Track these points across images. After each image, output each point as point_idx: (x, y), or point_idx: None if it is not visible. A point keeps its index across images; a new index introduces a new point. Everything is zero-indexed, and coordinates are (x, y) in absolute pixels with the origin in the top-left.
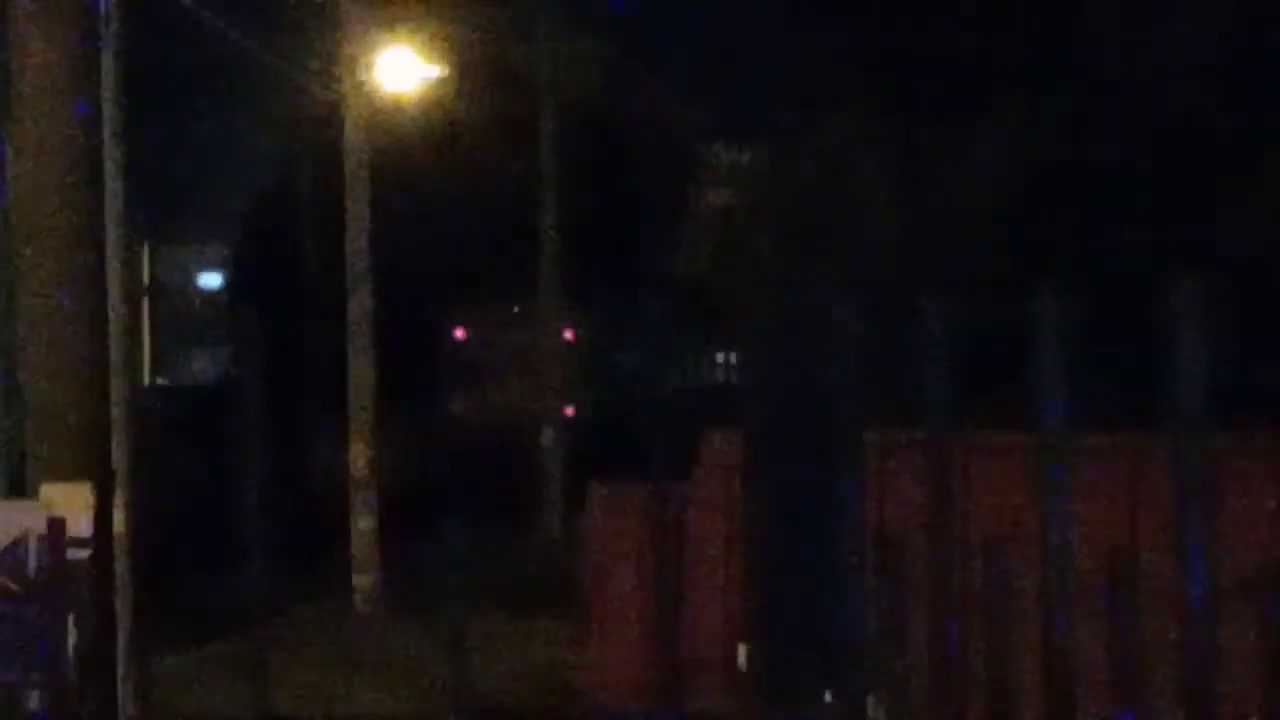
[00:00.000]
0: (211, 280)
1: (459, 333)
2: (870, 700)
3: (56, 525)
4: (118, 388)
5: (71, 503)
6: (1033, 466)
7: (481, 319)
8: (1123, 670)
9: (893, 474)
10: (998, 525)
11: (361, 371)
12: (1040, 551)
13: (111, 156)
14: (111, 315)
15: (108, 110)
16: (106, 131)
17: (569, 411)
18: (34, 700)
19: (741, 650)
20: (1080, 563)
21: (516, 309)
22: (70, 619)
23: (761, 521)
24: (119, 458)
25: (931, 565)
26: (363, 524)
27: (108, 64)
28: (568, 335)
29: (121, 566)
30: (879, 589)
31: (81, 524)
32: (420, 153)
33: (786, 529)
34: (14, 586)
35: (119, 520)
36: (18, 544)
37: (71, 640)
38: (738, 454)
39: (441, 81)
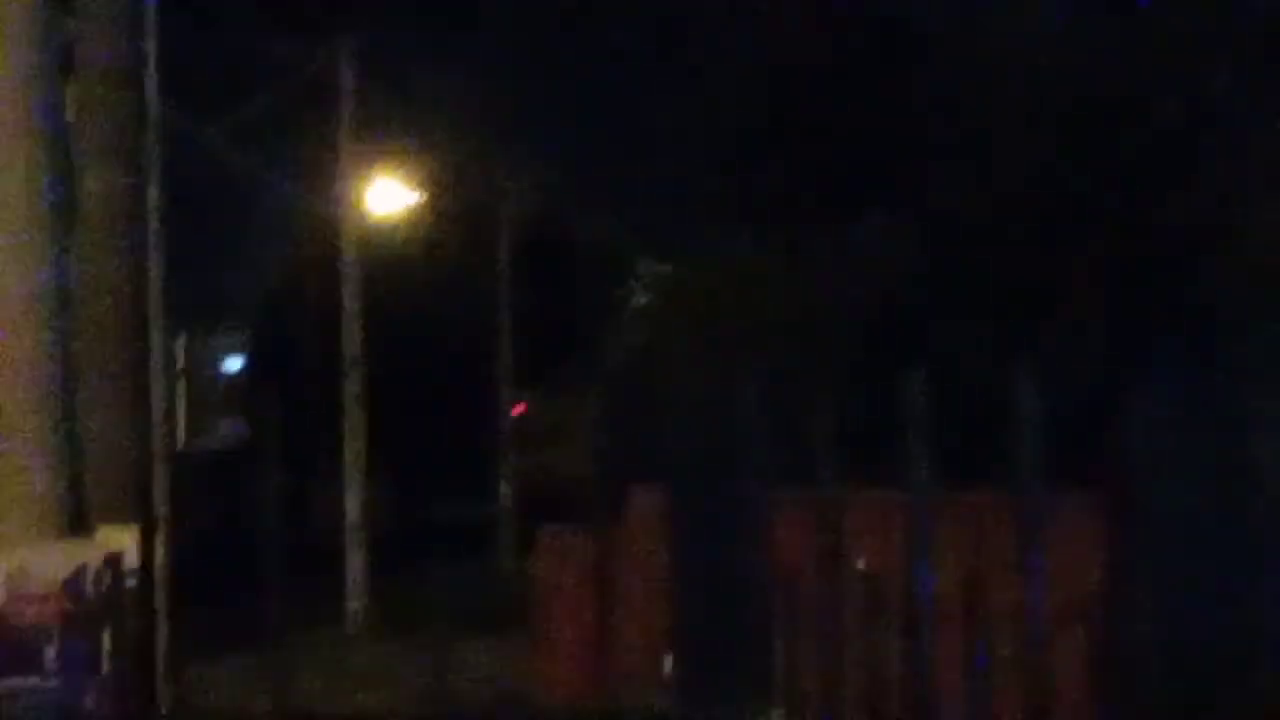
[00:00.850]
0: (233, 364)
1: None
2: (774, 709)
3: (114, 559)
4: (159, 450)
5: (122, 541)
6: (903, 518)
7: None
8: (973, 680)
9: (790, 523)
10: (872, 564)
11: (355, 437)
12: (906, 585)
13: (155, 264)
14: (154, 393)
15: (153, 227)
16: (151, 245)
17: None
18: (89, 700)
19: (666, 660)
20: (940, 595)
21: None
22: (115, 635)
23: (679, 558)
24: (161, 506)
25: (820, 596)
26: (354, 559)
27: (152, 192)
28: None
29: (161, 593)
30: (779, 614)
31: (130, 558)
32: (405, 261)
33: (700, 564)
34: (74, 608)
35: (159, 555)
36: (79, 574)
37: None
38: (659, 506)
39: (420, 205)
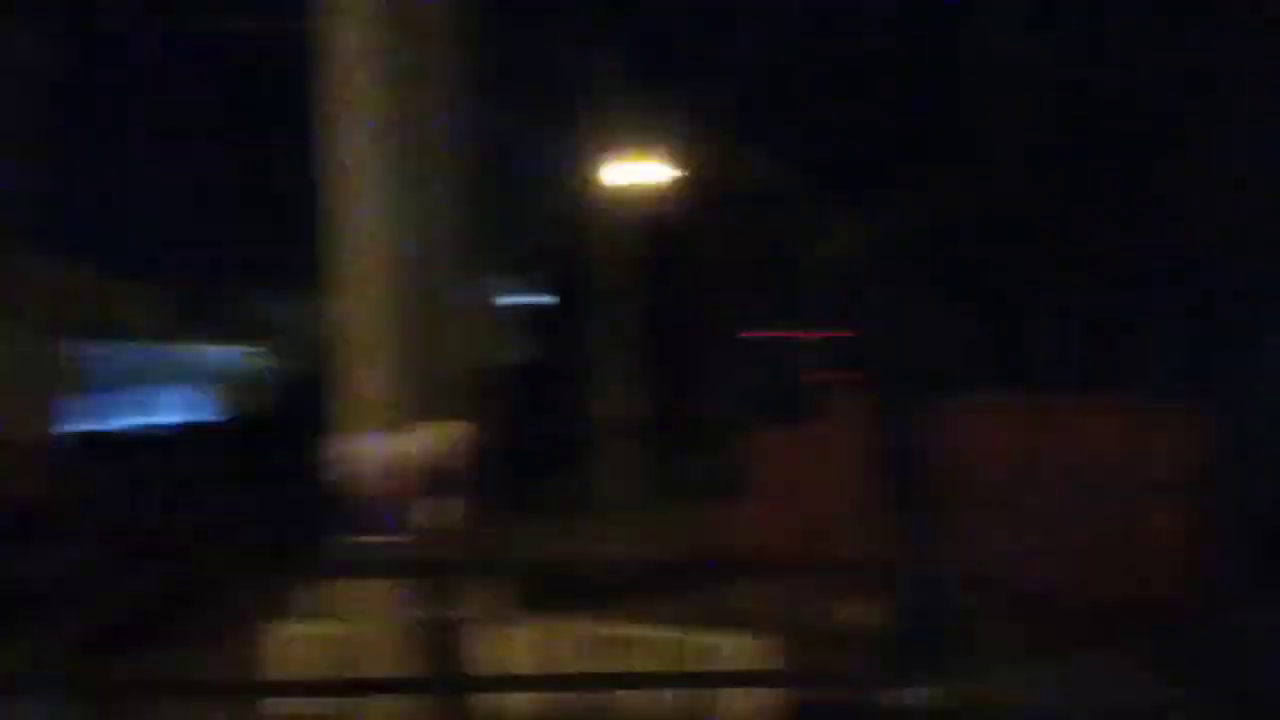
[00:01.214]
0: (513, 299)
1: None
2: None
3: (448, 445)
4: (476, 364)
5: (453, 432)
6: (1033, 418)
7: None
8: (1084, 538)
9: (958, 423)
10: (1014, 454)
11: (615, 353)
12: (1038, 468)
13: (468, 221)
14: (467, 323)
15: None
16: (465, 205)
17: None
18: (437, 553)
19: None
20: (1063, 475)
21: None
22: (453, 504)
23: (878, 448)
24: (475, 406)
25: (984, 479)
26: (617, 448)
27: (469, 170)
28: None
29: (482, 471)
30: (954, 493)
31: (460, 445)
32: (654, 218)
33: (892, 453)
34: (418, 483)
35: (481, 442)
36: (421, 457)
37: (450, 514)
38: (853, 408)
39: (658, 179)
